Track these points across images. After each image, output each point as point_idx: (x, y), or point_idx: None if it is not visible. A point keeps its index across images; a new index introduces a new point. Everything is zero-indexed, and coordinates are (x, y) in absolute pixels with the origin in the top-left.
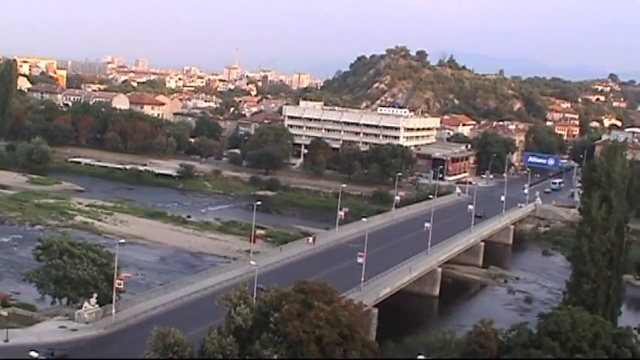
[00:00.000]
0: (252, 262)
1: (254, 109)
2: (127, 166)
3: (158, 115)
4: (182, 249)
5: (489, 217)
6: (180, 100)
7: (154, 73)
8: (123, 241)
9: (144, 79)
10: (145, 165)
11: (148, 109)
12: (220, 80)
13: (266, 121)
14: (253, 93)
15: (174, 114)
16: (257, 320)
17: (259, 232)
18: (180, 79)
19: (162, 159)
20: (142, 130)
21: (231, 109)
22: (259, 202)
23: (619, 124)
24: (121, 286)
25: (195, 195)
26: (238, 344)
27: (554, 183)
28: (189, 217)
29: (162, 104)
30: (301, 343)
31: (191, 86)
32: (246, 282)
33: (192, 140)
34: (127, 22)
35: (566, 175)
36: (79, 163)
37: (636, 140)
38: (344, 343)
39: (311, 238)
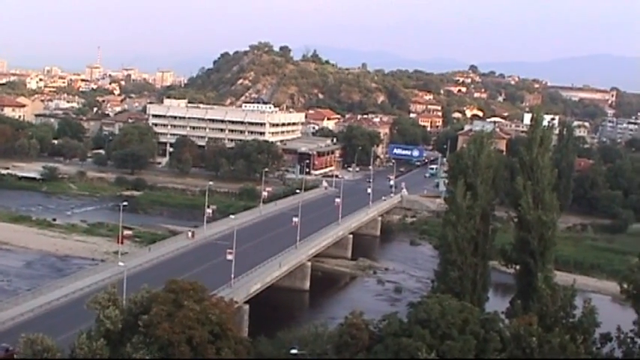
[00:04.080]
0: (121, 264)
1: (118, 109)
2: None
3: (19, 117)
4: (48, 253)
5: (358, 208)
6: (42, 101)
7: (13, 74)
8: None
9: (3, 81)
10: (8, 168)
11: (8, 111)
12: (82, 80)
13: (130, 121)
14: (116, 92)
15: (36, 115)
16: (127, 322)
17: (127, 232)
18: (41, 79)
19: (25, 162)
20: (3, 132)
21: (95, 109)
22: (126, 203)
23: (480, 114)
24: None
25: (60, 197)
26: (109, 347)
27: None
28: (54, 220)
29: (24, 106)
30: (172, 344)
31: (52, 87)
32: (114, 284)
33: (56, 142)
34: None
35: (430, 165)
36: None
37: (498, 130)
38: (216, 341)
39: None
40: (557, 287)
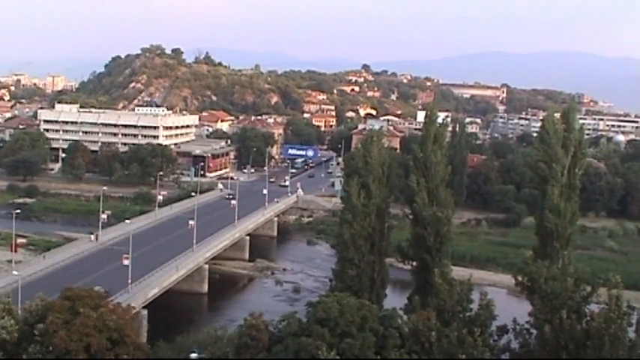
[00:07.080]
0: (15, 272)
1: (8, 115)
2: None
3: None
4: None
5: (254, 210)
6: None
7: None
8: None
9: None
10: None
11: None
12: None
13: (21, 127)
14: (6, 98)
15: None
16: (23, 332)
17: (20, 240)
18: None
19: None
20: None
21: None
22: (18, 210)
23: (374, 113)
24: None
25: None
26: (5, 358)
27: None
28: None
29: None
30: (69, 352)
31: None
32: (9, 294)
33: None
34: None
35: (325, 165)
36: None
37: (391, 128)
38: (114, 348)
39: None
40: (454, 282)
